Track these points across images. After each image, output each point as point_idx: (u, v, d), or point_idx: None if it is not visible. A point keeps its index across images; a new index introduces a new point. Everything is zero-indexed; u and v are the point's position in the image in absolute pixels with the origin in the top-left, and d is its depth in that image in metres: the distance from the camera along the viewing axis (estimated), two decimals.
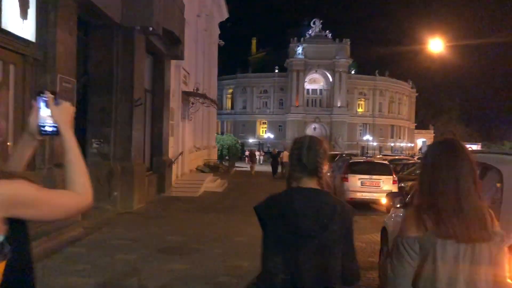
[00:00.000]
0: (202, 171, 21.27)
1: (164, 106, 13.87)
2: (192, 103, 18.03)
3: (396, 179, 12.52)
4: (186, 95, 17.30)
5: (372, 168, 13.04)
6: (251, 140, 74.09)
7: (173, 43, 13.39)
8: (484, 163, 3.26)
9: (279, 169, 24.88)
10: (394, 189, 11.54)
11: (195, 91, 18.09)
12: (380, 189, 12.12)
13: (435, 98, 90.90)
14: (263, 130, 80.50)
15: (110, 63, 10.39)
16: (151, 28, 10.56)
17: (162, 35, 11.96)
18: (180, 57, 14.30)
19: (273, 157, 27.52)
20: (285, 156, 23.17)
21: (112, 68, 10.40)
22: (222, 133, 54.07)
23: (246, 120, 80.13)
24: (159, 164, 13.62)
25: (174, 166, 15.22)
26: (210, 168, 23.82)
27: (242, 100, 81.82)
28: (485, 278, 1.72)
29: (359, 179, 12.47)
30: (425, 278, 1.73)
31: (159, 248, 6.73)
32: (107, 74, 10.36)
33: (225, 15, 30.78)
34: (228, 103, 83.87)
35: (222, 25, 32.12)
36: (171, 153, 15.14)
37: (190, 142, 20.05)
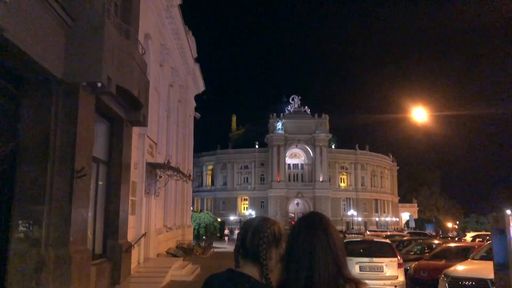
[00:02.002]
0: (174, 255, 18.70)
1: (122, 179, 11.76)
2: (160, 177, 15.93)
3: (401, 261, 10.15)
4: (152, 167, 15.26)
5: (371, 248, 10.75)
6: (232, 218, 71.15)
7: (133, 106, 11.59)
8: None
9: None
10: (401, 274, 9.34)
11: (165, 163, 16.11)
12: (383, 275, 9.80)
13: (416, 171, 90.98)
14: (244, 207, 77.80)
15: (46, 125, 8.40)
16: (99, 84, 8.74)
17: (118, 96, 10.19)
18: (142, 123, 12.45)
19: None
20: None
21: (49, 132, 8.38)
22: (202, 211, 51.33)
23: (227, 196, 77.69)
24: (114, 249, 11.24)
25: (134, 251, 12.78)
26: (183, 250, 21.23)
27: (222, 176, 79.91)
28: None
29: (357, 263, 10.05)
30: None
31: None
32: (42, 138, 8.33)
33: (201, 87, 29.81)
34: (208, 180, 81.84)
35: (199, 99, 31.15)
36: (131, 235, 12.80)
37: (158, 221, 17.69)
